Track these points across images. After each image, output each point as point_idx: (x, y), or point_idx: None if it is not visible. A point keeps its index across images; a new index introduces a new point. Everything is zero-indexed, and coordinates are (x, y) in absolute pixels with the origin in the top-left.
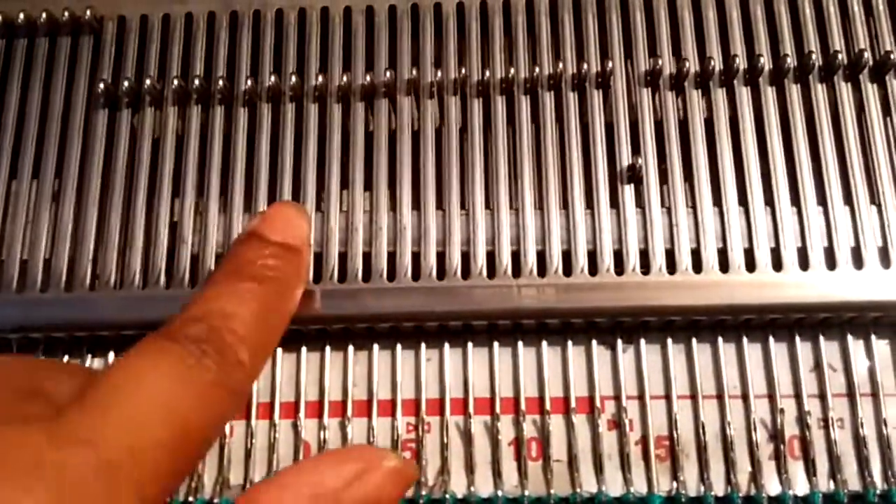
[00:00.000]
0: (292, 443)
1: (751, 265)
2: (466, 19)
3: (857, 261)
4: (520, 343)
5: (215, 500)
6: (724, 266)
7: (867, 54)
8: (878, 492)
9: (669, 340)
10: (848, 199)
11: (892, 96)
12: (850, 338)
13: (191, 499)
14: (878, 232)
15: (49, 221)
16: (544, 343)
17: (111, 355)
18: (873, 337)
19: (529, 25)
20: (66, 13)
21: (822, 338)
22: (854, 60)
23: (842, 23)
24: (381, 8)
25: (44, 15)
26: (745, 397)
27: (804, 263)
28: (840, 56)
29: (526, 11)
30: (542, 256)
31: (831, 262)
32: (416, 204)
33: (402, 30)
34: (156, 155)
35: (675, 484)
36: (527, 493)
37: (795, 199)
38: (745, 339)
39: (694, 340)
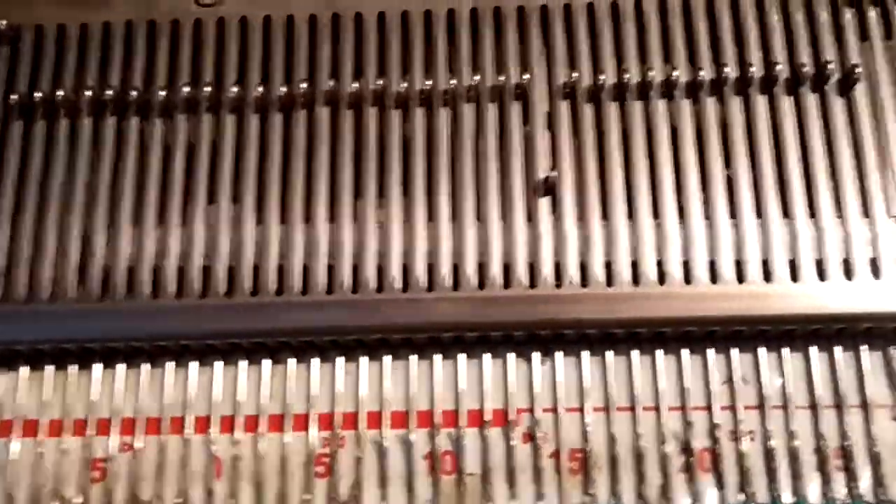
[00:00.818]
0: (204, 459)
1: (662, 279)
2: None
3: (767, 274)
4: (436, 356)
5: None
6: (636, 279)
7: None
8: None
9: (585, 353)
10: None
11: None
12: (761, 350)
13: None
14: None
15: None
16: (460, 356)
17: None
18: (785, 350)
19: (450, 37)
20: None
21: (735, 351)
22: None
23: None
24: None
25: None
26: (657, 409)
27: (713, 277)
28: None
29: (447, 24)
30: (456, 270)
31: (740, 275)
32: (332, 217)
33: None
34: (71, 167)
35: (586, 498)
36: None
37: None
38: (659, 352)
39: (609, 353)
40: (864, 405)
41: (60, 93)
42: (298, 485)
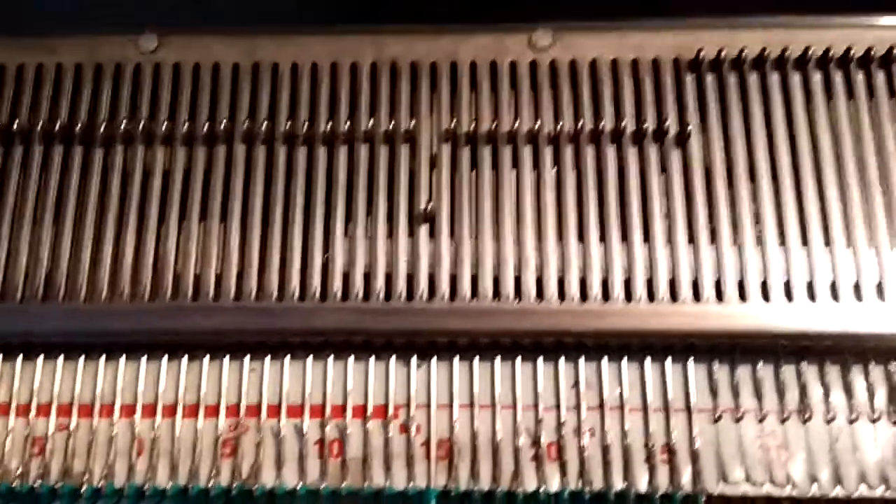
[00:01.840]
0: (129, 439)
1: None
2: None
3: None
4: (329, 358)
5: (58, 485)
6: (497, 293)
7: None
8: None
9: (456, 359)
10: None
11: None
12: (603, 360)
13: (38, 482)
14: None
15: None
16: (350, 358)
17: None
18: (624, 361)
19: (352, 86)
20: None
21: (581, 360)
22: None
23: None
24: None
25: None
26: (513, 407)
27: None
28: None
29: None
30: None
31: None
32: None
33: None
34: (21, 190)
35: (451, 481)
36: (325, 485)
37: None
38: (518, 360)
39: (476, 359)
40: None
41: (15, 124)
42: (207, 464)
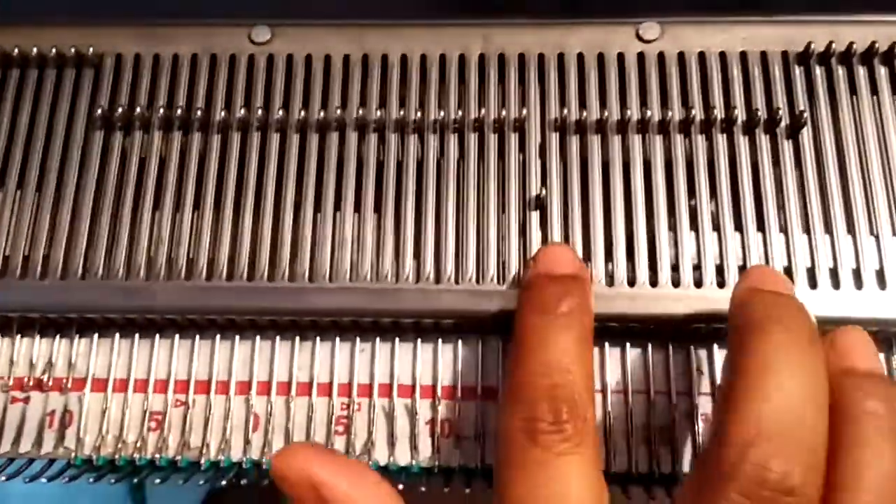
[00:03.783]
0: (244, 415)
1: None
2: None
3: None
4: (439, 340)
5: (177, 458)
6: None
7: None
8: None
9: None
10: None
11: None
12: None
13: (157, 456)
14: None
15: (48, 224)
16: (459, 341)
17: (95, 336)
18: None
19: (461, 77)
20: (73, 50)
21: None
22: None
23: None
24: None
25: (53, 50)
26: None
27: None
28: None
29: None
30: (458, 262)
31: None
32: (358, 210)
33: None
34: (141, 172)
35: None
36: (438, 463)
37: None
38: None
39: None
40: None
41: (137, 110)
42: (321, 440)
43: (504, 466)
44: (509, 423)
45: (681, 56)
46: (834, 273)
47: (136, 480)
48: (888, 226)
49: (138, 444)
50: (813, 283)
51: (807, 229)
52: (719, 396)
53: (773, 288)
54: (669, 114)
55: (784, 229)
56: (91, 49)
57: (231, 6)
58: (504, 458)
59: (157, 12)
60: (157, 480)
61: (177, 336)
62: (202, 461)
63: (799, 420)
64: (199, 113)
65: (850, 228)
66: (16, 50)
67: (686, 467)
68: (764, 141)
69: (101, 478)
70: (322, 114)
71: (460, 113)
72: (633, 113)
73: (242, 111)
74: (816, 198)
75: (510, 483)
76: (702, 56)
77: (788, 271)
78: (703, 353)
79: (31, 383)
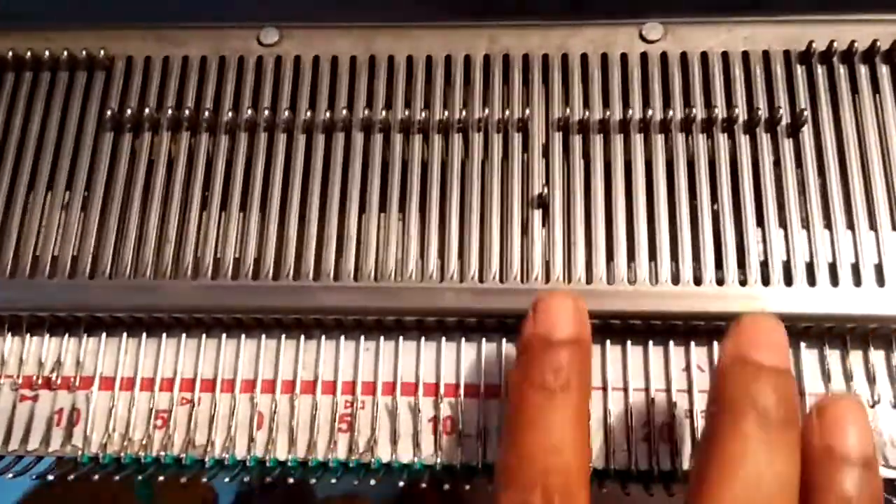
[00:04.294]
0: (249, 413)
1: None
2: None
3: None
4: (442, 338)
5: (182, 456)
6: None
7: None
8: None
9: None
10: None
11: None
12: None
13: (162, 454)
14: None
15: (58, 224)
16: (462, 339)
17: (103, 335)
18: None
19: (466, 78)
20: (84, 52)
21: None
22: None
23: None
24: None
25: (65, 53)
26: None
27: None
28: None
29: (464, 67)
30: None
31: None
32: (363, 210)
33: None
34: (150, 172)
35: None
36: (440, 461)
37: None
38: (628, 343)
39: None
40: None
41: (146, 111)
42: (325, 438)
43: None
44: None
45: (683, 56)
46: (833, 270)
47: (140, 478)
48: (888, 223)
49: (144, 442)
50: (812, 281)
51: (806, 226)
52: (693, 476)
53: (759, 351)
54: (672, 113)
55: (784, 227)
56: (102, 51)
57: (240, 9)
58: None
59: (166, 14)
60: (162, 478)
61: (183, 335)
62: (207, 459)
63: None
64: (207, 114)
65: (850, 225)
66: (28, 53)
67: (686, 464)
68: (765, 139)
69: (106, 475)
70: (329, 114)
71: (465, 113)
72: (636, 112)
73: (250, 112)
74: (816, 195)
75: None
76: (704, 56)
77: (788, 268)
78: (702, 350)
79: (39, 382)
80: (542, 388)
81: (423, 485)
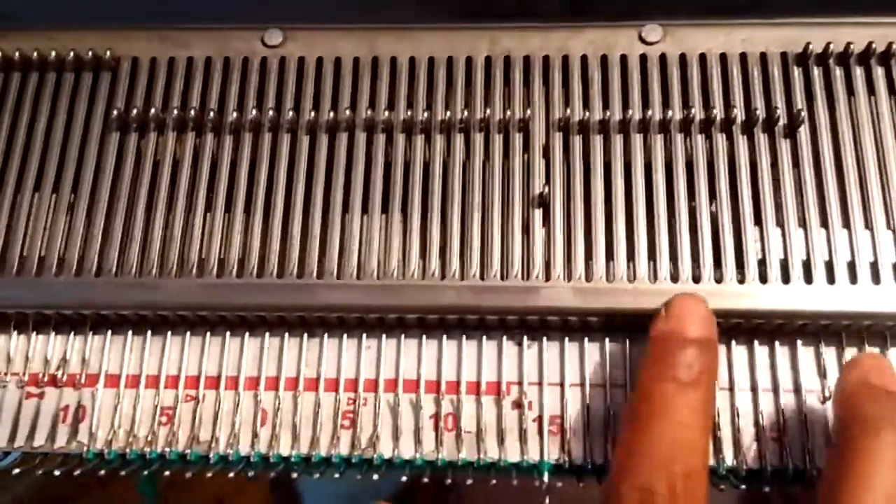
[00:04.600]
0: (252, 410)
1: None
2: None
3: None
4: (443, 336)
5: (187, 452)
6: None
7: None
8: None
9: (566, 338)
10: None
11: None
12: None
13: (167, 450)
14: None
15: (64, 222)
16: (463, 337)
17: (108, 333)
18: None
19: (467, 79)
20: (90, 53)
21: None
22: None
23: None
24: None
25: (71, 54)
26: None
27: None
28: None
29: (465, 68)
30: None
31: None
32: (366, 209)
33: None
34: (155, 172)
35: (562, 454)
36: (441, 457)
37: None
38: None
39: (585, 339)
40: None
41: (151, 111)
42: (327, 434)
43: None
44: (623, 488)
45: (682, 58)
46: (829, 268)
47: (145, 473)
48: (883, 222)
49: (149, 439)
50: (808, 279)
51: (803, 225)
52: (824, 488)
53: (881, 381)
54: (671, 114)
55: (781, 225)
56: (108, 52)
57: (244, 10)
58: None
59: (172, 16)
60: (167, 473)
61: (188, 333)
62: (211, 455)
63: None
64: (212, 114)
65: (846, 224)
66: (35, 53)
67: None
68: (763, 140)
69: (111, 472)
70: (332, 115)
71: (466, 114)
72: (636, 113)
73: (254, 112)
74: (813, 195)
75: None
76: (703, 57)
77: (785, 266)
78: None
79: (45, 379)
80: (674, 380)
81: (425, 479)
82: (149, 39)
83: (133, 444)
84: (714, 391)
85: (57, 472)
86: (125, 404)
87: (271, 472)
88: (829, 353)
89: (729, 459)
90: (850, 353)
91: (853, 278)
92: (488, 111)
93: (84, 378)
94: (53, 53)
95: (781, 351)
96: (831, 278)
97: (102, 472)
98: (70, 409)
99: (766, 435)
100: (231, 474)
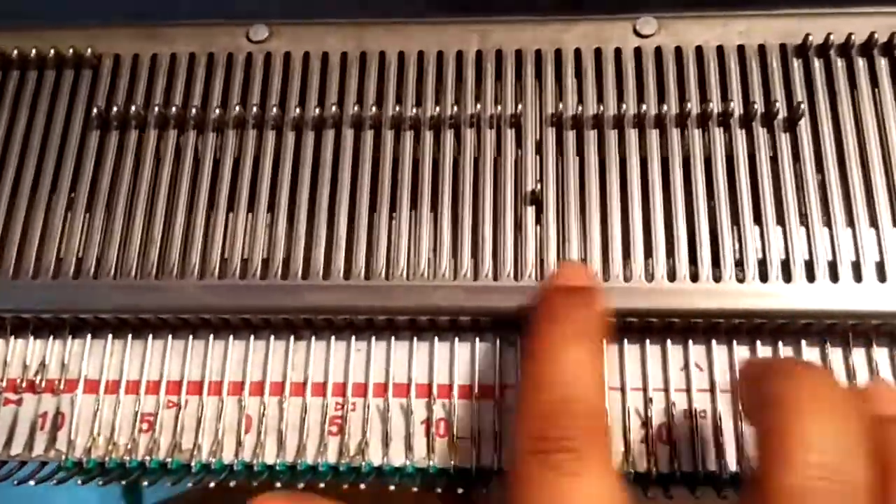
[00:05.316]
0: (236, 416)
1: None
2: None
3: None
4: (435, 338)
5: (167, 460)
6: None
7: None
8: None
9: None
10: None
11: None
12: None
13: (147, 458)
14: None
15: (41, 223)
16: (456, 338)
17: (88, 337)
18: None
19: (458, 74)
20: (71, 50)
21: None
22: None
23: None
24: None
25: (52, 51)
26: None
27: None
28: None
29: (455, 63)
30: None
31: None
32: (353, 207)
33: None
34: (137, 172)
35: None
36: (433, 464)
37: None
38: (625, 342)
39: None
40: None
41: (132, 109)
42: (314, 441)
43: (515, 486)
44: (519, 441)
45: (678, 51)
46: (833, 266)
47: (124, 483)
48: (888, 218)
49: (129, 447)
50: (811, 277)
51: (805, 223)
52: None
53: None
54: (666, 108)
55: (782, 222)
56: (89, 50)
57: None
58: (515, 476)
59: (154, 12)
60: (146, 483)
61: (169, 336)
62: (193, 463)
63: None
64: (194, 111)
65: (850, 221)
66: (15, 51)
67: (685, 465)
68: (762, 133)
69: (90, 480)
70: (319, 112)
71: (457, 109)
72: (630, 108)
73: (238, 109)
74: (815, 191)
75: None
76: (699, 50)
77: (786, 265)
78: (700, 348)
79: (23, 385)
80: (554, 321)
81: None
82: (131, 36)
83: (113, 453)
84: (602, 338)
85: (32, 483)
86: (105, 411)
87: (254, 482)
88: (834, 354)
89: (733, 467)
90: (858, 353)
91: (857, 277)
92: (479, 106)
93: (63, 384)
94: (34, 52)
95: (784, 351)
96: (834, 277)
97: (80, 481)
98: (48, 416)
99: None
100: (212, 484)
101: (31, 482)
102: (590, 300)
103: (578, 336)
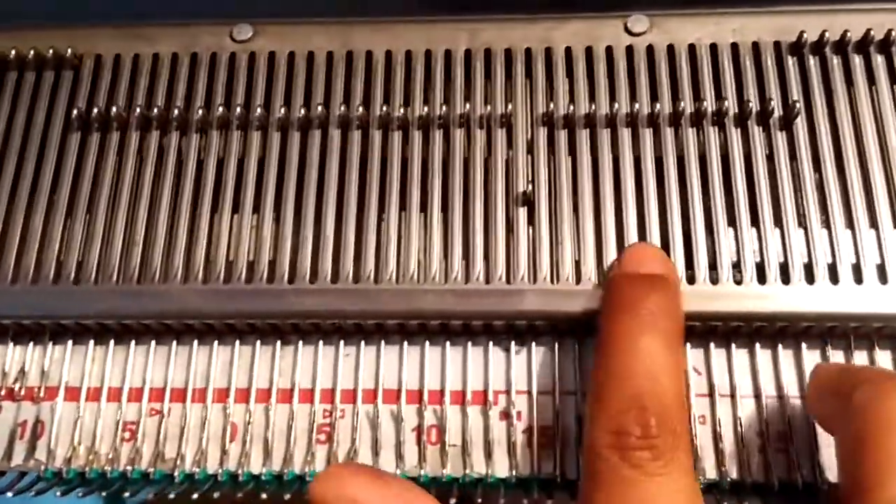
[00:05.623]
0: (221, 424)
1: None
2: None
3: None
4: (426, 343)
5: (150, 470)
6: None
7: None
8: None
9: (556, 344)
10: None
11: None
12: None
13: (129, 468)
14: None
15: (21, 227)
16: (447, 343)
17: (69, 344)
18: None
19: (446, 73)
20: (51, 51)
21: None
22: None
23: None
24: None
25: (32, 52)
26: None
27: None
28: None
29: (444, 62)
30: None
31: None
32: (339, 217)
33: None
34: (119, 173)
35: (554, 468)
36: (424, 472)
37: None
38: None
39: (576, 344)
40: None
41: (113, 110)
42: (302, 449)
43: (589, 483)
44: (595, 435)
45: (670, 49)
46: (832, 268)
47: (104, 494)
48: (888, 219)
49: (111, 456)
50: (811, 279)
51: (803, 224)
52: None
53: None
54: (659, 107)
55: (779, 223)
56: (70, 50)
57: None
58: (590, 473)
59: (137, 12)
60: (127, 494)
61: (152, 342)
62: (176, 473)
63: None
64: (177, 112)
65: (849, 222)
66: None
67: None
68: (758, 133)
69: (69, 491)
70: (304, 112)
71: (446, 109)
72: (623, 107)
73: (222, 110)
74: (813, 191)
75: (596, 502)
76: (692, 48)
77: (785, 267)
78: (698, 352)
79: (2, 392)
80: (629, 312)
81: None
82: (112, 36)
83: (94, 462)
84: (679, 329)
85: (10, 494)
86: (86, 419)
87: (238, 493)
88: (836, 358)
89: (734, 472)
90: (860, 356)
91: (858, 278)
92: (469, 106)
93: (43, 391)
94: (13, 53)
95: (784, 354)
96: (834, 279)
97: (60, 492)
98: (28, 425)
99: (772, 446)
100: (195, 495)
101: (9, 493)
102: (661, 287)
103: (656, 325)
